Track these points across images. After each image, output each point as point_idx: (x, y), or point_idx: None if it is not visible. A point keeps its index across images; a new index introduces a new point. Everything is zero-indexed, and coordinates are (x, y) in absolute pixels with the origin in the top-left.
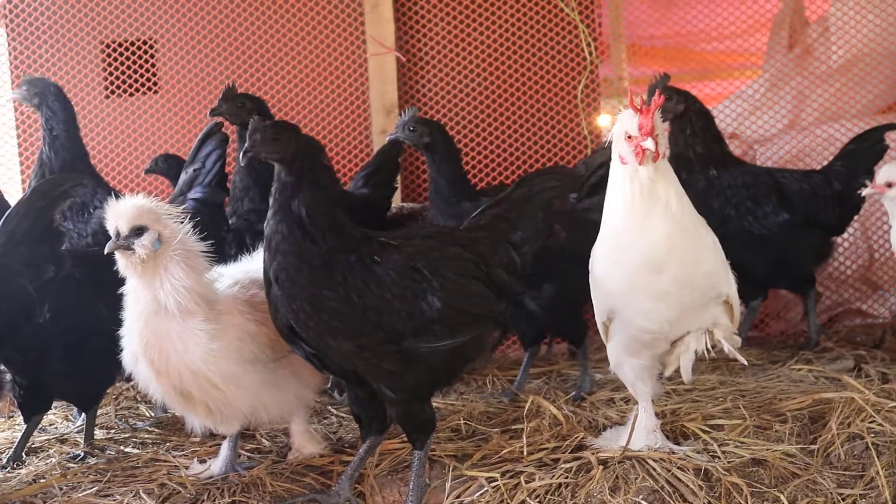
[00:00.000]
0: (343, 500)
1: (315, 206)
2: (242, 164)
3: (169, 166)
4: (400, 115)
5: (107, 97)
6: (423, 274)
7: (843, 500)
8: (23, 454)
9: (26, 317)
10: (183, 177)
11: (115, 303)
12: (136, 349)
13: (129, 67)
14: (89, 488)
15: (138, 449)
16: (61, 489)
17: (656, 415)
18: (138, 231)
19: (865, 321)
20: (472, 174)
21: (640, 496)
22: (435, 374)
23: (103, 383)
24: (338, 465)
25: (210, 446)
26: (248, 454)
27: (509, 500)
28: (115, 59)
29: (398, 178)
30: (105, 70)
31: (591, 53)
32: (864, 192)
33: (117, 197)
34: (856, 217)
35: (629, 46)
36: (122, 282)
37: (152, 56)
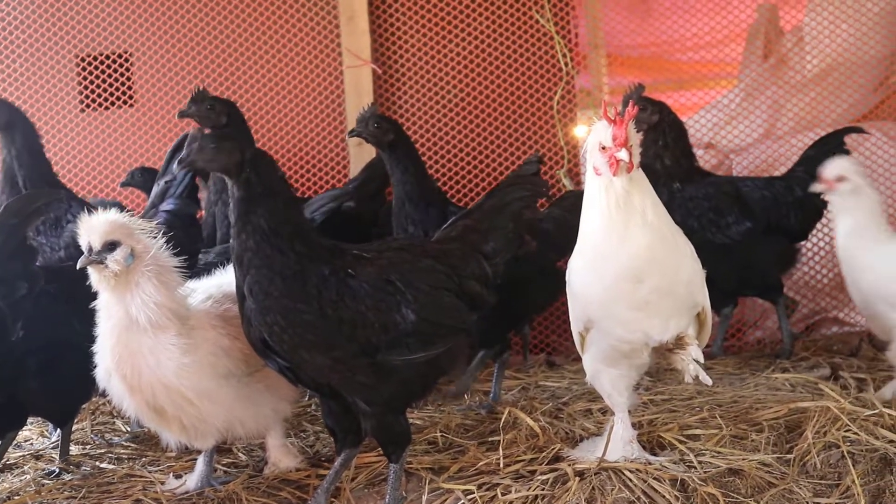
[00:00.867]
0: None
1: (275, 216)
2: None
3: (145, 179)
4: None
5: (82, 111)
6: (397, 286)
7: None
8: None
9: None
10: (155, 189)
11: (89, 318)
12: (109, 365)
13: (104, 81)
14: None
15: (114, 464)
16: None
17: (633, 425)
18: (111, 246)
19: (842, 330)
20: (448, 185)
21: None
22: (409, 386)
23: (78, 399)
24: (314, 479)
25: (186, 461)
26: (225, 468)
27: None
28: (91, 73)
29: (385, 191)
30: (80, 84)
31: (566, 64)
32: (814, 188)
33: (90, 211)
34: (829, 226)
35: (608, 56)
36: (95, 297)
37: (128, 69)
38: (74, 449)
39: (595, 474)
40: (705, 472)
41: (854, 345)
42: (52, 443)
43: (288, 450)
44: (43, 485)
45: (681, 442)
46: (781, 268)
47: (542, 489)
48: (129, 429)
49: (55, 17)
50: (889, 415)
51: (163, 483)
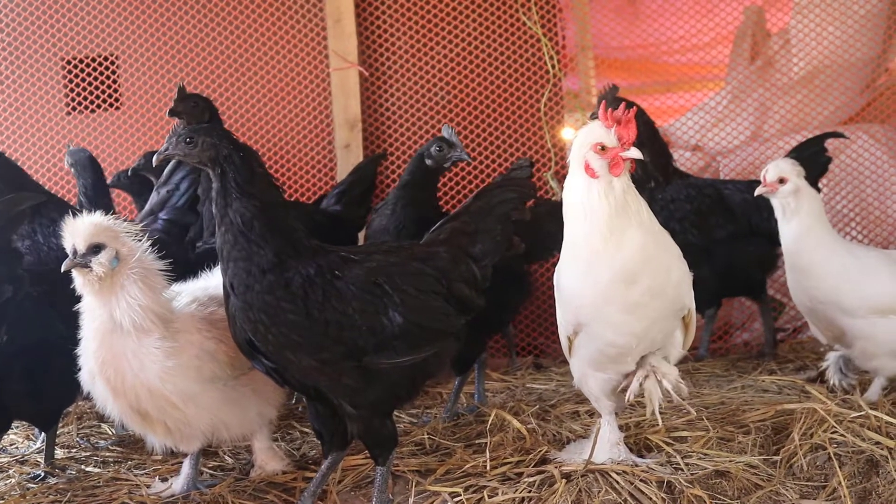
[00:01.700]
0: None
1: (249, 212)
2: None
3: (131, 182)
4: (363, 128)
5: (68, 113)
6: (384, 289)
7: None
8: None
9: None
10: (154, 197)
11: (74, 322)
12: (92, 368)
13: (90, 84)
14: None
15: (99, 468)
16: None
17: (620, 428)
18: (95, 249)
19: None
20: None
21: None
22: (396, 389)
23: (62, 403)
24: (301, 482)
25: (172, 464)
26: (211, 472)
27: None
28: (77, 76)
29: (372, 195)
30: (66, 87)
31: (553, 66)
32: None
33: (74, 214)
34: None
35: (596, 59)
36: (80, 300)
37: (114, 72)
38: (60, 452)
39: (582, 476)
40: (692, 474)
41: None
42: (38, 447)
43: (274, 453)
44: (28, 489)
45: (667, 444)
46: (764, 271)
47: (529, 491)
48: (114, 431)
49: (41, 20)
50: (875, 416)
51: (148, 486)
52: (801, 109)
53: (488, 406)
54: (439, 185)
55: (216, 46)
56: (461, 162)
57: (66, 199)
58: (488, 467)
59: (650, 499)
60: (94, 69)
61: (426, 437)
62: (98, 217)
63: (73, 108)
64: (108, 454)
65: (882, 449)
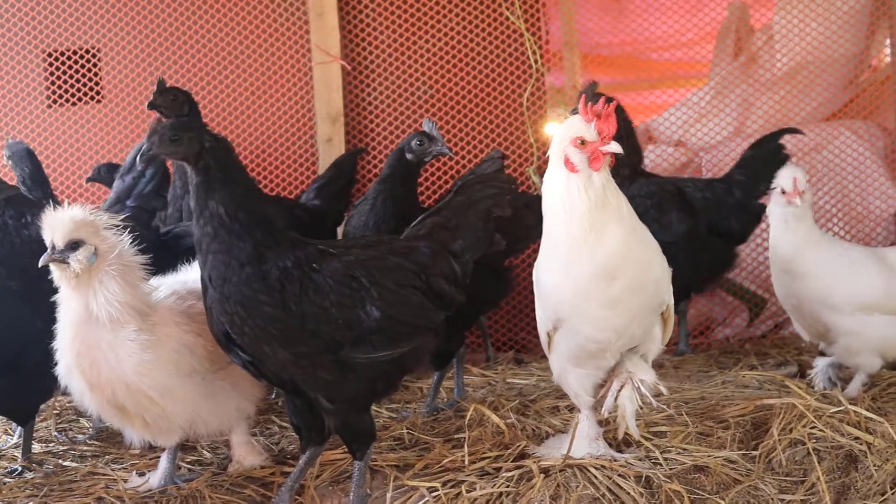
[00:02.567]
0: None
1: (232, 203)
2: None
3: (112, 176)
4: (346, 122)
5: (49, 106)
6: (362, 283)
7: None
8: None
9: None
10: (119, 184)
11: (52, 316)
12: (69, 361)
13: (71, 77)
14: (25, 503)
15: (77, 462)
16: None
17: (599, 423)
18: (74, 245)
19: None
20: (418, 183)
21: None
22: (373, 384)
23: (39, 397)
24: (279, 477)
25: (150, 459)
26: (189, 466)
27: None
28: (58, 69)
29: (352, 190)
30: (48, 79)
31: (536, 61)
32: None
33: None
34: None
35: (582, 55)
36: (57, 293)
37: (95, 65)
38: (37, 447)
39: (560, 471)
40: (671, 469)
41: None
42: (15, 441)
43: (252, 447)
44: (4, 483)
45: (647, 439)
46: (721, 270)
47: (508, 486)
48: (92, 425)
49: (22, 12)
50: (854, 412)
51: (126, 481)
52: (784, 105)
53: (468, 401)
54: (422, 179)
55: (198, 40)
56: (442, 156)
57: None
58: (466, 462)
59: (628, 493)
60: (76, 62)
61: (405, 431)
62: (78, 211)
63: (55, 101)
64: (85, 448)
65: (861, 444)
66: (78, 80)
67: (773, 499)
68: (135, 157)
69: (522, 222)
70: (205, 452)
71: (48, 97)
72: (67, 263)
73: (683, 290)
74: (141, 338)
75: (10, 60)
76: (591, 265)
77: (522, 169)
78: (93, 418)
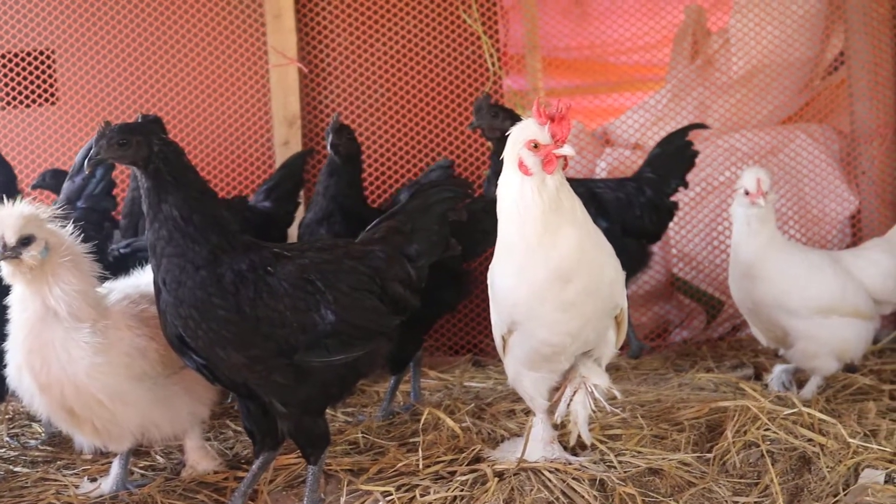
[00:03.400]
0: None
1: (186, 206)
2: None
3: (57, 182)
4: (302, 125)
5: (2, 108)
6: (317, 286)
7: None
8: None
9: None
10: (69, 186)
11: (3, 317)
12: (20, 361)
13: (25, 78)
14: None
15: (28, 468)
16: None
17: (554, 426)
18: (25, 241)
19: None
20: (374, 185)
21: None
22: (327, 388)
23: None
24: (232, 482)
25: (102, 464)
26: (142, 471)
27: None
28: (12, 70)
29: (301, 192)
30: (1, 81)
31: (493, 65)
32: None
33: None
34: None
35: (544, 58)
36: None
37: (50, 66)
38: None
39: (514, 475)
40: (625, 472)
41: None
42: None
43: (206, 452)
44: None
45: (602, 442)
46: (635, 269)
47: (462, 490)
48: (43, 430)
49: None
50: (808, 413)
51: (77, 487)
52: (740, 108)
53: (424, 405)
54: (377, 180)
55: (154, 41)
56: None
57: None
58: (421, 466)
59: (582, 497)
60: (30, 63)
61: (360, 436)
62: (25, 207)
63: (8, 104)
64: (37, 454)
65: (814, 446)
66: (32, 83)
67: (727, 501)
68: (83, 159)
69: (480, 226)
70: (158, 457)
71: (1, 99)
72: (21, 260)
73: None
74: (94, 340)
75: None
76: (545, 268)
77: (480, 172)
78: (44, 423)
